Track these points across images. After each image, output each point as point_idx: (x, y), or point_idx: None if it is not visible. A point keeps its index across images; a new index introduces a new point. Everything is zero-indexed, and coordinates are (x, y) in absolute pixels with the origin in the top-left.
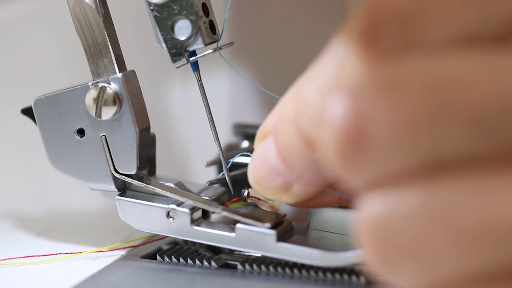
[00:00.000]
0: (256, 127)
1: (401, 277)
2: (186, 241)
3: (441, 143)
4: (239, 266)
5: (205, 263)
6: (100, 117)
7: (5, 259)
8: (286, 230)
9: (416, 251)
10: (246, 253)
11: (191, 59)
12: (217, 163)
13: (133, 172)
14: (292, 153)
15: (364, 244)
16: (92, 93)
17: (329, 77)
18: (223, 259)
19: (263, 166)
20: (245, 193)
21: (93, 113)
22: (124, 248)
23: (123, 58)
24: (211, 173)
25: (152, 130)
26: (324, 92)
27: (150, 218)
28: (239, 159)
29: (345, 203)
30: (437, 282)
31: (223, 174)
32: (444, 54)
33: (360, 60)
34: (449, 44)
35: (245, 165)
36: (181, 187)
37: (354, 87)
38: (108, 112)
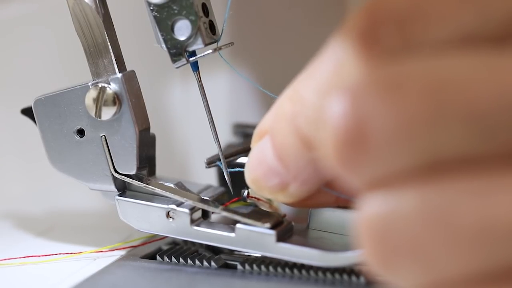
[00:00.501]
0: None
1: (400, 277)
2: (186, 241)
3: (441, 143)
4: (239, 266)
5: (205, 263)
6: (100, 117)
7: (5, 259)
8: (286, 230)
9: (415, 251)
10: (246, 253)
11: (191, 59)
12: (217, 161)
13: (133, 172)
14: (289, 153)
15: (364, 244)
16: (92, 93)
17: (327, 77)
18: (223, 259)
19: (259, 166)
20: (245, 193)
21: (93, 113)
22: (124, 248)
23: (123, 58)
24: (211, 174)
25: (152, 130)
26: (322, 92)
27: (150, 218)
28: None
29: (343, 203)
30: (436, 282)
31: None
32: (443, 54)
33: (359, 60)
34: (448, 44)
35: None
36: (181, 187)
37: (353, 87)
38: (108, 112)
